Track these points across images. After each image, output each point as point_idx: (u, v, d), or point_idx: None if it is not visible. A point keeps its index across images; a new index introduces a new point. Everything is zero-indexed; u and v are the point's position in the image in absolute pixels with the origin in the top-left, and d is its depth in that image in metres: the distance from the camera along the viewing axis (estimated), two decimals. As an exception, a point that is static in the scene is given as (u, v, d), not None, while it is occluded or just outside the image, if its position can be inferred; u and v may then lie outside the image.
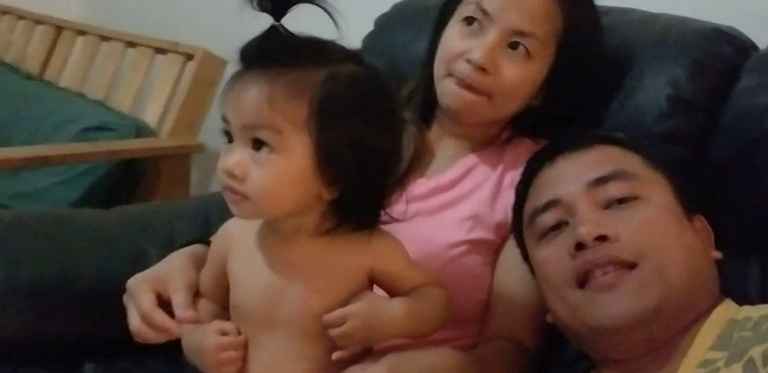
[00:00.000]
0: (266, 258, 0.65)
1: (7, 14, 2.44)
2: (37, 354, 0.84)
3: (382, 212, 0.67)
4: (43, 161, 1.52)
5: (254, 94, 0.58)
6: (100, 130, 1.65)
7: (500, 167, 0.87)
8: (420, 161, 0.87)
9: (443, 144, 0.91)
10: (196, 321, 0.65)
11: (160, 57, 1.81)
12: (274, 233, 0.65)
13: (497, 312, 0.81)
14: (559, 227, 0.69)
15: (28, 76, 2.10)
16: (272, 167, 0.59)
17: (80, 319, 0.86)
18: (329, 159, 0.60)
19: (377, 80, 0.64)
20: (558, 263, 0.67)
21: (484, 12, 0.81)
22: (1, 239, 0.86)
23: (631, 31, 0.90)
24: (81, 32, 2.10)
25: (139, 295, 0.67)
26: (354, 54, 0.65)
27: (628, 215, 0.66)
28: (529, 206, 0.73)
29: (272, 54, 0.60)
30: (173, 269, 0.71)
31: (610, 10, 0.95)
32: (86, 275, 0.87)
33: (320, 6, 0.61)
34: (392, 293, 0.68)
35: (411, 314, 0.65)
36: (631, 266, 0.64)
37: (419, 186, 0.87)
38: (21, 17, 2.36)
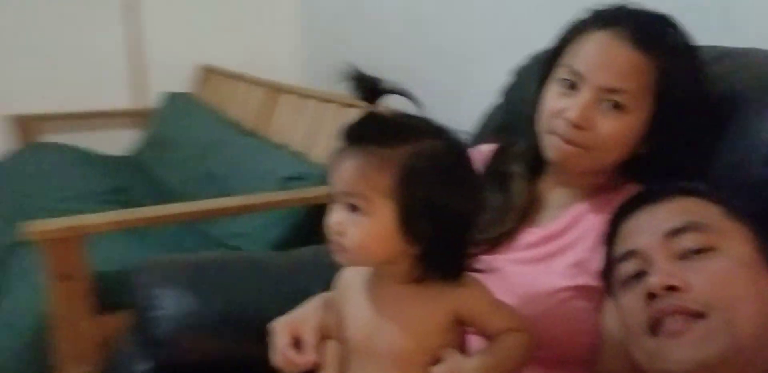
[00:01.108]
0: (368, 299, 0.78)
1: (232, 78, 2.93)
2: (225, 372, 1.05)
3: (469, 262, 0.78)
4: (252, 208, 1.81)
5: (350, 167, 0.73)
6: (297, 179, 1.92)
7: (608, 214, 0.91)
8: (530, 212, 0.96)
9: (554, 193, 0.97)
10: (315, 361, 0.80)
11: (351, 111, 2.05)
12: (375, 279, 0.79)
13: (604, 355, 0.86)
14: (639, 276, 0.73)
15: (245, 132, 2.49)
16: (363, 227, 0.72)
17: (258, 345, 0.93)
18: (410, 222, 0.72)
19: (456, 153, 0.75)
20: (635, 311, 0.72)
21: (576, 73, 0.87)
22: (200, 276, 1.11)
23: (746, 74, 0.90)
24: (289, 92, 2.47)
25: (278, 334, 0.84)
26: (438, 129, 0.76)
27: (702, 266, 0.69)
28: (612, 256, 0.78)
29: (366, 135, 0.74)
30: (307, 312, 0.87)
31: (729, 53, 0.95)
32: (263, 308, 1.00)
33: (401, 93, 0.75)
34: (478, 332, 0.78)
35: (488, 369, 0.75)
36: (700, 315, 0.66)
37: (529, 235, 0.95)
38: (241, 80, 2.83)
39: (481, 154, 1.06)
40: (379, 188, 0.71)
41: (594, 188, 0.95)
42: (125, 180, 2.65)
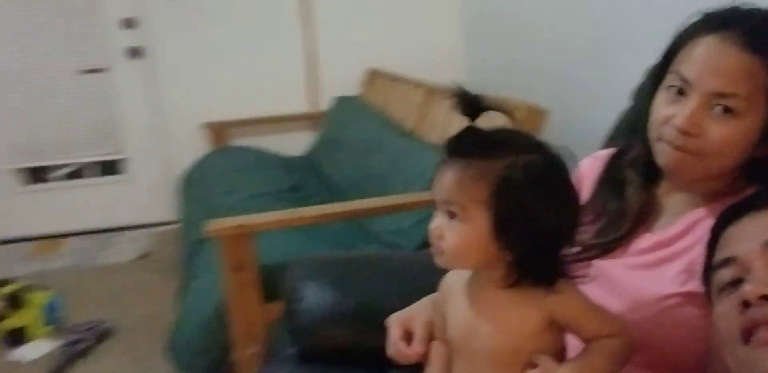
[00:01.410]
0: (467, 302, 0.85)
1: (395, 81, 3.07)
2: (357, 359, 1.16)
3: (565, 268, 0.81)
4: (404, 207, 1.92)
5: (450, 177, 0.80)
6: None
7: (723, 220, 0.89)
8: (645, 217, 0.96)
9: (671, 199, 0.96)
10: (422, 353, 0.88)
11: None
12: (474, 282, 0.85)
13: (713, 361, 0.84)
14: (735, 283, 0.72)
15: (404, 133, 2.61)
16: (459, 233, 0.79)
17: (385, 337, 1.01)
18: (504, 230, 0.77)
19: (552, 167, 0.79)
20: (728, 319, 0.71)
21: (684, 79, 0.86)
22: (340, 273, 1.23)
23: None
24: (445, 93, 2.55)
25: (392, 328, 0.93)
26: (535, 144, 0.80)
27: (802, 278, 0.67)
28: (713, 262, 0.77)
29: (466, 148, 0.80)
30: (419, 309, 0.95)
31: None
32: (391, 303, 1.07)
33: (500, 110, 0.80)
34: (574, 334, 0.81)
35: None
36: (794, 327, 0.65)
37: (643, 240, 0.96)
38: (403, 82, 2.97)
39: (600, 159, 1.07)
40: (475, 198, 0.77)
41: (712, 193, 0.92)
42: (300, 179, 2.90)
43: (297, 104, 3.48)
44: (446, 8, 3.44)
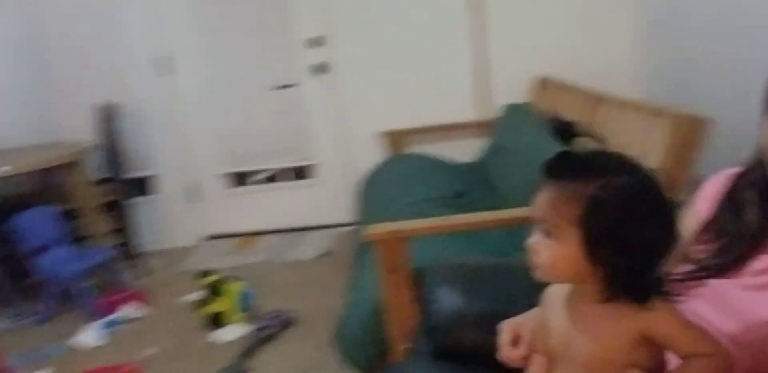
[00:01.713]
0: (566, 313, 0.91)
1: (564, 88, 3.06)
2: (484, 360, 1.24)
3: (661, 286, 0.84)
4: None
5: (544, 198, 0.87)
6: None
7: None
8: (763, 238, 0.96)
9: (794, 219, 0.94)
10: (525, 356, 0.96)
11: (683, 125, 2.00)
12: (573, 296, 0.91)
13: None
14: None
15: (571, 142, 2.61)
16: (552, 250, 0.86)
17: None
18: (594, 249, 0.82)
19: (643, 188, 0.83)
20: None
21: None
22: (471, 278, 1.32)
23: None
24: (614, 103, 2.51)
25: (503, 333, 1.02)
26: (627, 166, 0.85)
27: None
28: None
29: (559, 171, 0.87)
30: (530, 317, 1.02)
31: None
32: (516, 310, 1.12)
33: (591, 136, 0.86)
34: (670, 351, 0.84)
35: None
36: None
37: (760, 262, 0.94)
38: (572, 90, 2.95)
39: (726, 178, 1.06)
40: (567, 217, 0.84)
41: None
42: (468, 185, 3.00)
43: (468, 112, 3.59)
44: (620, 14, 3.36)
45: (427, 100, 3.56)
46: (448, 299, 1.28)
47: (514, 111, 3.31)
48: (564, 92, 3.07)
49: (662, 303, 0.84)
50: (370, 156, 3.53)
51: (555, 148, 2.56)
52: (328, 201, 3.72)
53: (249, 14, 3.52)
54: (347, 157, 3.65)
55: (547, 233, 0.86)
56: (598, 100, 2.65)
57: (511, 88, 3.47)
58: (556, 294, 0.95)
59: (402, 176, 3.17)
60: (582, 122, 2.70)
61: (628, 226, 0.81)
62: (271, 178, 3.79)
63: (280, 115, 3.66)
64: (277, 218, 3.77)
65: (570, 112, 2.88)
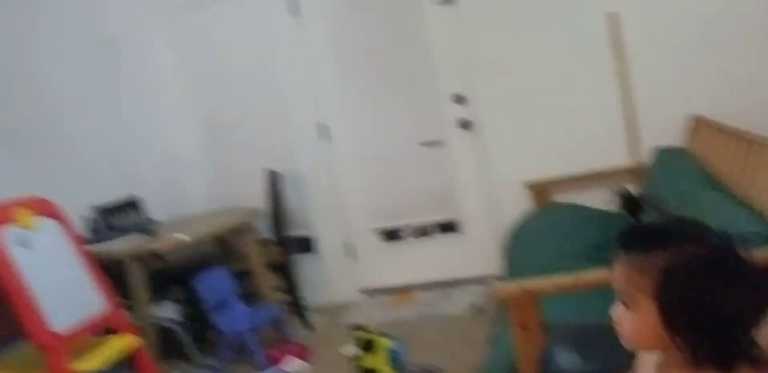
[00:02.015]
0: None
1: (719, 130, 2.92)
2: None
3: (746, 353, 0.84)
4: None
5: (619, 271, 0.91)
6: (750, 238, 1.89)
7: None
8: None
9: None
10: None
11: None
12: (662, 362, 0.92)
13: None
14: None
15: (718, 186, 2.49)
16: (631, 321, 0.89)
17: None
18: (671, 318, 0.84)
19: (717, 255, 0.84)
20: None
21: None
22: (586, 339, 1.34)
23: None
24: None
25: None
26: (699, 235, 0.87)
27: None
28: None
29: (632, 243, 0.91)
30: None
31: None
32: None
33: (658, 209, 0.89)
34: None
35: None
36: None
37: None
38: (726, 131, 2.80)
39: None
40: (642, 290, 0.87)
41: None
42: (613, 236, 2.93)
43: (618, 157, 3.52)
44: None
45: (572, 147, 3.54)
46: (564, 360, 1.31)
47: (667, 155, 3.20)
48: (718, 134, 2.93)
49: (750, 370, 0.84)
50: (517, 207, 3.56)
51: (706, 196, 2.46)
52: (477, 254, 3.78)
53: (396, 72, 3.76)
54: (494, 209, 3.71)
55: (626, 304, 0.90)
56: (753, 143, 2.51)
57: (663, 130, 3.35)
58: (648, 361, 0.96)
59: (548, 228, 3.17)
60: (733, 172, 2.57)
61: (703, 295, 0.82)
62: (421, 233, 3.93)
63: (427, 171, 3.83)
64: (427, 271, 3.88)
65: (723, 157, 2.75)
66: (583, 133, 3.52)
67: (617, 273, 0.91)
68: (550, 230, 3.12)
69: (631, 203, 0.92)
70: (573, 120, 3.52)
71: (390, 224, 3.96)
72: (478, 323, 3.18)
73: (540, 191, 3.59)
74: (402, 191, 3.89)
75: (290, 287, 3.70)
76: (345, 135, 3.89)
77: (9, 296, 2.26)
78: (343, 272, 3.99)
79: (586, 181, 3.56)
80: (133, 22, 4.03)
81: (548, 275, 1.88)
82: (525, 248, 3.06)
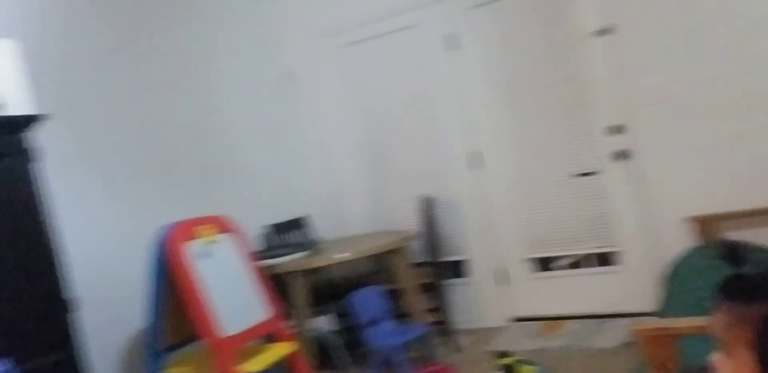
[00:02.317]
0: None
1: None
2: None
3: None
4: None
5: (718, 319, 0.93)
6: None
7: None
8: None
9: None
10: None
11: None
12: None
13: None
14: None
15: None
16: (729, 369, 0.90)
17: None
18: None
19: None
20: None
21: None
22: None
23: None
24: None
25: None
26: None
27: None
28: None
29: (732, 293, 0.92)
30: None
31: None
32: None
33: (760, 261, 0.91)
34: None
35: None
36: None
37: None
38: None
39: None
40: (741, 339, 0.89)
41: None
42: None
43: (795, 193, 3.27)
44: None
45: (743, 180, 3.34)
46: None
47: None
48: None
49: None
50: (680, 242, 3.42)
51: None
52: (632, 288, 3.66)
53: (550, 103, 3.79)
54: (652, 243, 3.58)
55: (725, 352, 0.92)
56: None
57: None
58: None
59: (710, 266, 3.01)
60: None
61: None
62: (575, 264, 3.88)
63: (582, 202, 3.79)
64: (580, 303, 3.82)
65: None
66: (756, 165, 3.31)
67: (718, 321, 0.93)
68: (713, 268, 2.97)
69: (732, 253, 0.90)
70: (742, 149, 3.32)
71: (543, 253, 3.95)
72: (625, 358, 3.09)
73: (705, 225, 3.42)
74: (556, 221, 3.88)
75: (440, 309, 3.82)
76: (499, 163, 3.97)
77: (190, 302, 2.60)
78: (493, 298, 4.04)
79: (759, 217, 3.33)
80: (307, 57, 4.43)
81: (700, 316, 1.84)
82: (682, 285, 2.94)
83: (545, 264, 3.97)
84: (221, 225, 2.92)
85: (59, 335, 2.37)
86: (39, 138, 2.68)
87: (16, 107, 2.47)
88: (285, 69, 4.45)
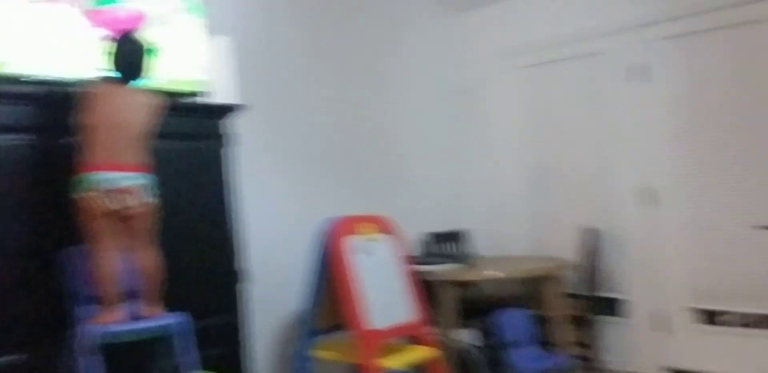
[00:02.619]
0: None
1: None
2: None
3: None
4: None
5: None
6: None
7: None
8: None
9: None
10: None
11: None
12: None
13: None
14: None
15: None
16: None
17: None
18: None
19: None
20: None
21: None
22: None
23: None
24: None
25: None
26: None
27: None
28: None
29: None
30: None
31: None
32: None
33: None
34: None
35: None
36: None
37: None
38: None
39: None
40: None
41: None
42: None
43: None
44: None
45: None
46: None
47: None
48: None
49: None
50: None
51: None
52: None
53: (740, 147, 3.54)
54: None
55: None
56: None
57: None
58: None
59: None
60: None
61: None
62: (747, 322, 3.57)
63: (761, 257, 3.48)
64: (748, 364, 3.50)
65: None
66: None
67: None
68: None
69: None
70: None
71: (711, 305, 3.68)
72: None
73: None
74: (730, 273, 3.59)
75: (588, 345, 3.68)
76: (674, 203, 3.76)
77: (343, 293, 2.74)
78: (648, 344, 3.82)
79: None
80: (485, 75, 4.51)
81: None
82: None
83: (711, 317, 3.69)
84: (382, 225, 3.06)
85: (229, 300, 2.62)
86: (236, 125, 2.97)
87: (221, 96, 2.77)
88: (462, 84, 4.56)
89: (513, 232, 4.37)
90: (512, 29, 4.38)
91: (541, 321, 3.57)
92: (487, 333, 3.49)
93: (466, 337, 3.56)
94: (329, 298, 2.91)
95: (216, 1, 3.03)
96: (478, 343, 3.54)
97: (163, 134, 2.40)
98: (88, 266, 2.14)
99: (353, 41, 3.90)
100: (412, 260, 3.62)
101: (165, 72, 2.52)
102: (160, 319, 2.22)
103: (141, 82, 2.29)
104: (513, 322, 3.42)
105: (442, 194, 4.36)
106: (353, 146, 3.83)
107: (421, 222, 4.12)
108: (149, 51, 2.31)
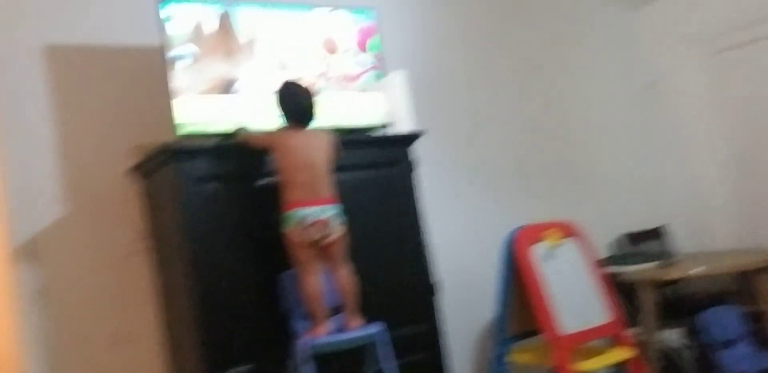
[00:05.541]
0: None
1: None
2: None
3: None
4: None
5: None
6: None
7: None
8: None
9: None
10: None
11: None
12: None
13: None
14: None
15: None
16: None
17: None
18: None
19: None
20: None
21: None
22: None
23: None
24: None
25: None
26: None
27: None
28: None
29: None
30: None
31: None
32: None
33: None
34: None
35: None
36: None
37: None
38: None
39: None
40: None
41: None
42: None
43: None
44: None
45: None
46: None
47: None
48: None
49: None
50: None
51: None
52: None
53: None
54: None
55: None
56: None
57: None
58: None
59: None
60: None
61: None
62: None
63: None
64: None
65: None
66: None
67: None
68: None
69: None
70: None
71: None
72: None
73: None
74: None
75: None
76: None
77: (533, 300, 2.85)
78: None
79: None
80: (674, 65, 4.30)
81: None
82: None
83: None
84: (567, 230, 3.11)
85: (424, 311, 2.85)
86: (417, 150, 3.22)
87: (401, 125, 3.04)
88: (649, 78, 4.40)
89: (719, 225, 4.11)
90: (698, 12, 4.12)
91: (757, 317, 3.36)
92: (695, 333, 3.36)
93: (673, 337, 3.45)
94: (520, 304, 3.03)
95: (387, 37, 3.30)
96: (686, 344, 3.42)
97: (355, 165, 2.73)
98: (298, 288, 2.50)
99: (527, 52, 3.96)
100: (606, 261, 3.61)
101: (351, 109, 2.87)
102: (362, 330, 2.51)
103: (318, 124, 2.61)
104: (723, 320, 3.26)
105: (636, 192, 4.24)
106: (537, 155, 3.89)
107: (616, 223, 4.06)
108: (315, 96, 2.60)
